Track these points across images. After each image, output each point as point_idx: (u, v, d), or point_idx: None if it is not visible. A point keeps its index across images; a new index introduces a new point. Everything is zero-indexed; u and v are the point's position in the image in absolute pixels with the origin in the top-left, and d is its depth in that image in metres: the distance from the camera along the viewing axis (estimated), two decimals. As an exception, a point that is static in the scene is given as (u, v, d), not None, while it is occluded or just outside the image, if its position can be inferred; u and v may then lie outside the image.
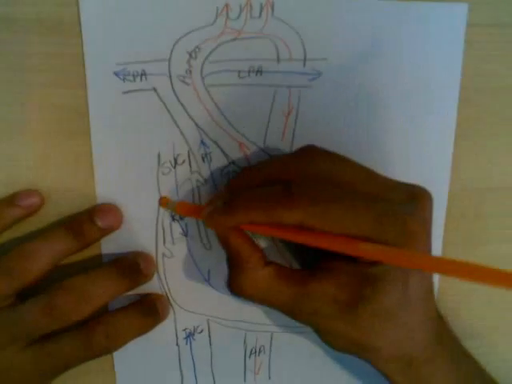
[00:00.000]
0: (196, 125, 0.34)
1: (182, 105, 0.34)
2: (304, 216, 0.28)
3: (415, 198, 0.30)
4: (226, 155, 0.35)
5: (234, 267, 0.31)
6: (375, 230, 0.28)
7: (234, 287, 0.31)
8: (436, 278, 0.40)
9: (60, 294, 0.32)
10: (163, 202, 0.35)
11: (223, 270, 0.37)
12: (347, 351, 0.32)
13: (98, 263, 0.36)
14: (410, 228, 0.28)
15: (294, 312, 0.31)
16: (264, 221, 0.29)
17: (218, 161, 0.35)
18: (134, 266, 0.35)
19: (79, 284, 0.33)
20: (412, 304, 0.30)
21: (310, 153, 0.31)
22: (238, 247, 0.31)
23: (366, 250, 0.27)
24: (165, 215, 0.36)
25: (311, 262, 0.33)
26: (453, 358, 0.35)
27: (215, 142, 0.35)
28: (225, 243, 0.31)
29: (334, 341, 0.32)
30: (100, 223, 0.34)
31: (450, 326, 0.36)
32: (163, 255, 0.37)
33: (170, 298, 0.38)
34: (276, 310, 0.32)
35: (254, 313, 0.39)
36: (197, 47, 0.33)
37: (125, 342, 0.35)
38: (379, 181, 0.31)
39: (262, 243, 0.37)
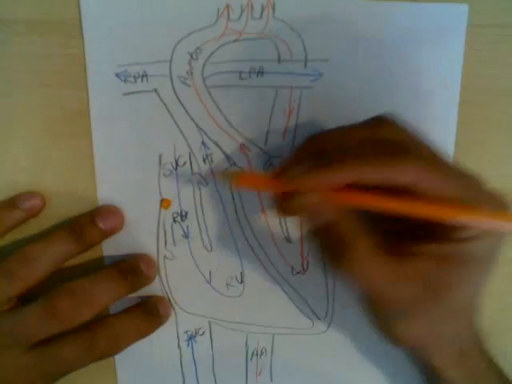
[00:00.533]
0: (197, 126, 0.34)
1: (182, 106, 0.34)
2: (419, 174, 0.26)
3: (475, 184, 0.29)
4: (226, 156, 0.35)
5: (343, 252, 0.28)
6: (477, 199, 0.27)
7: (341, 262, 0.28)
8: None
9: (62, 296, 0.32)
10: (165, 204, 0.35)
11: (224, 271, 0.37)
12: (409, 344, 0.31)
13: (100, 265, 0.36)
14: (502, 200, 0.28)
15: (379, 296, 0.29)
16: (376, 178, 0.26)
17: (219, 162, 0.35)
18: (135, 269, 0.35)
19: (81, 287, 0.33)
20: (479, 288, 0.30)
21: (383, 119, 0.29)
22: (348, 229, 0.28)
23: (477, 216, 0.26)
24: (166, 217, 0.36)
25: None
26: (488, 352, 0.34)
27: (216, 143, 0.35)
28: (333, 227, 0.28)
29: (404, 336, 0.30)
30: (101, 225, 0.33)
31: None
32: (164, 257, 0.37)
33: (172, 300, 0.37)
34: (364, 291, 0.30)
35: (255, 315, 0.39)
36: (198, 48, 0.33)
37: (127, 345, 0.35)
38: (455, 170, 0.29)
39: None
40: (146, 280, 0.36)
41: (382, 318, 0.31)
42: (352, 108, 0.36)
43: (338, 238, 0.28)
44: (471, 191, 0.27)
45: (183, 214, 0.36)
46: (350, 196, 0.27)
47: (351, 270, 0.28)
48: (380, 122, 0.29)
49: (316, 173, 0.27)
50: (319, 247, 0.29)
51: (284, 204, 0.29)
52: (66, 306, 0.32)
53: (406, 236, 0.30)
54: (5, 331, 0.32)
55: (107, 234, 0.34)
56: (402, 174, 0.26)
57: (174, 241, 0.36)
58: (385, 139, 0.28)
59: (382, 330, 0.31)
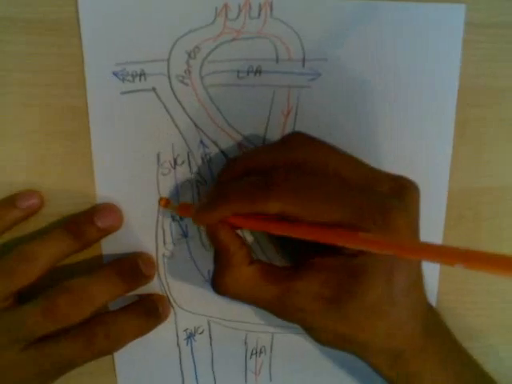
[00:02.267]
0: (195, 125, 0.35)
1: (181, 105, 0.34)
2: (284, 205, 0.28)
3: (402, 191, 0.30)
4: (225, 155, 0.35)
5: (219, 263, 0.31)
6: (357, 222, 0.28)
7: (219, 285, 0.31)
8: (435, 280, 0.40)
9: (60, 295, 0.32)
10: (164, 203, 0.35)
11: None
12: (335, 346, 0.32)
13: (99, 264, 0.36)
14: (395, 222, 0.28)
15: (279, 310, 0.31)
16: (247, 211, 0.29)
17: (218, 161, 0.35)
18: (134, 268, 0.35)
19: (79, 285, 0.33)
20: (398, 296, 0.30)
21: (294, 140, 0.31)
22: (225, 243, 0.30)
23: (349, 238, 0.27)
24: (165, 216, 0.36)
25: (296, 260, 0.33)
26: (443, 350, 0.34)
27: (214, 143, 0.35)
28: (212, 239, 0.31)
29: (321, 336, 0.32)
30: (99, 224, 0.34)
31: (441, 317, 0.36)
32: (163, 256, 0.37)
33: (171, 298, 0.38)
34: (261, 308, 0.32)
35: (254, 313, 0.39)
36: (196, 47, 0.33)
37: (125, 343, 0.35)
38: (366, 171, 0.30)
39: (248, 240, 0.38)
40: (145, 279, 0.36)
41: (302, 326, 0.32)
42: (350, 107, 0.36)
43: (218, 256, 0.31)
44: (359, 216, 0.28)
45: (182, 213, 0.36)
46: (237, 221, 0.30)
47: (226, 289, 0.31)
48: (286, 143, 0.31)
49: (203, 211, 0.30)
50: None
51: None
52: (65, 304, 0.32)
53: (309, 249, 0.31)
54: (3, 329, 0.32)
55: (105, 232, 0.34)
56: (267, 207, 0.28)
57: (172, 239, 0.37)
58: (269, 168, 0.30)
59: (310, 336, 0.33)
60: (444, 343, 0.35)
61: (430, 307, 0.34)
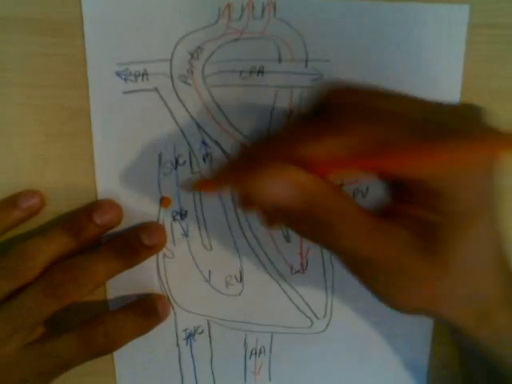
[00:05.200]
0: (197, 125, 0.34)
1: (183, 105, 0.34)
2: (367, 129, 0.25)
3: (465, 116, 0.28)
4: (227, 155, 0.35)
5: (324, 212, 0.25)
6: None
7: (329, 237, 0.26)
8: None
9: (59, 272, 0.32)
10: (165, 203, 0.35)
11: (224, 270, 0.37)
12: (415, 308, 0.29)
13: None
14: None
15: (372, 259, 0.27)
16: (317, 154, 0.24)
17: (219, 161, 0.35)
18: (135, 242, 0.34)
19: (78, 262, 0.33)
20: (491, 249, 0.28)
21: (331, 88, 0.28)
22: (324, 186, 0.25)
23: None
24: (166, 216, 0.36)
25: None
26: None
27: (216, 143, 0.35)
28: (308, 200, 0.25)
29: (407, 298, 0.28)
30: (98, 220, 0.33)
31: None
32: (164, 256, 0.37)
33: (171, 298, 0.38)
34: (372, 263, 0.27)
35: (254, 313, 0.39)
36: (198, 47, 0.33)
37: (124, 342, 0.35)
38: (422, 104, 0.28)
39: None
40: (148, 251, 0.35)
41: (381, 288, 0.29)
42: (352, 108, 0.36)
43: (323, 215, 0.25)
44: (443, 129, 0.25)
45: (183, 212, 0.36)
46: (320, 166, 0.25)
47: (344, 243, 0.26)
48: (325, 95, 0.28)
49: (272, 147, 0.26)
50: (300, 226, 0.27)
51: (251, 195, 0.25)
52: (65, 281, 0.32)
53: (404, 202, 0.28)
54: (4, 323, 0.32)
55: (105, 228, 0.34)
56: (341, 146, 0.24)
57: (173, 239, 0.37)
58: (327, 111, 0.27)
59: (386, 301, 0.29)
60: None
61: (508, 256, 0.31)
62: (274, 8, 0.33)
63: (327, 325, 0.40)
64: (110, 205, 0.34)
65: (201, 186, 0.33)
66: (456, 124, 0.26)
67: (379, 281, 0.28)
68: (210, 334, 0.39)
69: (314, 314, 0.39)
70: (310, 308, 0.39)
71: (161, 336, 0.38)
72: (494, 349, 0.31)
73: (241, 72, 0.34)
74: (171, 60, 0.33)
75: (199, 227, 0.37)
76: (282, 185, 0.24)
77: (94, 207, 0.34)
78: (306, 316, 0.39)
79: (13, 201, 0.33)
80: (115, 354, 0.37)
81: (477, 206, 0.27)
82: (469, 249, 0.27)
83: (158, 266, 0.37)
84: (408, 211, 0.27)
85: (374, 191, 0.36)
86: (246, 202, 0.27)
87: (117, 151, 0.34)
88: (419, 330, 0.40)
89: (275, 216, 0.27)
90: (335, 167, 0.25)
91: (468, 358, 0.37)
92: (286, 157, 0.24)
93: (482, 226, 0.27)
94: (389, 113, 0.26)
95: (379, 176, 0.27)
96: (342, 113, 0.26)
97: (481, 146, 0.23)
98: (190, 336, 0.39)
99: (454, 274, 0.27)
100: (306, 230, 0.27)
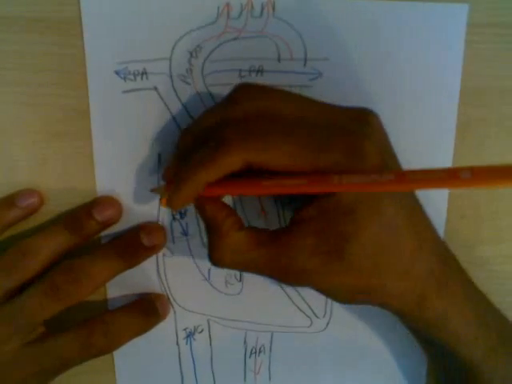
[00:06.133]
0: (197, 124, 0.35)
1: (182, 104, 0.34)
2: (246, 153, 0.27)
3: (362, 118, 0.29)
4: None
5: (210, 236, 0.30)
6: (322, 155, 0.26)
7: (213, 256, 0.30)
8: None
9: (60, 274, 0.32)
10: (165, 202, 0.35)
11: (224, 269, 0.37)
12: (354, 301, 0.31)
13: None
14: (362, 148, 0.27)
15: (281, 274, 0.30)
16: (214, 177, 0.27)
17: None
18: (134, 242, 0.35)
19: (79, 263, 0.33)
20: (398, 227, 0.28)
21: (241, 93, 0.29)
22: (210, 213, 0.29)
23: (323, 183, 0.26)
24: (165, 215, 0.36)
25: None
26: (464, 287, 0.32)
27: (216, 142, 0.35)
28: (200, 213, 0.30)
29: (336, 295, 0.30)
30: (98, 217, 0.33)
31: (453, 252, 0.33)
32: (163, 254, 0.37)
33: (171, 297, 0.38)
34: (262, 275, 0.30)
35: (254, 312, 0.39)
36: (198, 46, 0.33)
37: (124, 342, 0.35)
38: (322, 108, 0.29)
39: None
40: (148, 251, 0.35)
41: (301, 284, 0.31)
42: (351, 107, 0.36)
43: (208, 228, 0.30)
44: (323, 148, 0.27)
45: (182, 211, 0.36)
46: (213, 191, 0.29)
47: (222, 257, 0.29)
48: (233, 99, 0.30)
49: (175, 196, 0.28)
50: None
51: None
52: (66, 282, 0.32)
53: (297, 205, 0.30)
54: (4, 321, 0.32)
55: (104, 224, 0.34)
56: (231, 163, 0.27)
57: (173, 238, 0.37)
58: (221, 123, 0.29)
59: (329, 298, 0.31)
60: (462, 275, 0.33)
61: (440, 239, 0.32)
62: (273, 7, 0.33)
63: (327, 324, 0.40)
64: (110, 201, 0.35)
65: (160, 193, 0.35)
66: (350, 126, 0.28)
67: (304, 283, 0.30)
68: (209, 333, 0.39)
69: (314, 314, 0.39)
70: (309, 307, 0.39)
71: (161, 335, 0.38)
72: (442, 333, 0.32)
73: (240, 71, 0.34)
74: (170, 59, 0.33)
75: (199, 226, 0.37)
76: (198, 210, 0.30)
77: (93, 204, 0.34)
78: (306, 315, 0.39)
79: (11, 199, 0.33)
80: (115, 352, 0.37)
81: (366, 195, 0.27)
82: (367, 240, 0.28)
83: (157, 265, 0.37)
84: (303, 216, 0.29)
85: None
86: None
87: (116, 150, 0.34)
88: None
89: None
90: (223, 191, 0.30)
91: (425, 349, 0.38)
92: (194, 184, 0.28)
93: (380, 214, 0.28)
94: (292, 126, 0.28)
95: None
96: (233, 129, 0.28)
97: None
98: (190, 335, 0.39)
99: (359, 268, 0.28)
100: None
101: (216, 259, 0.30)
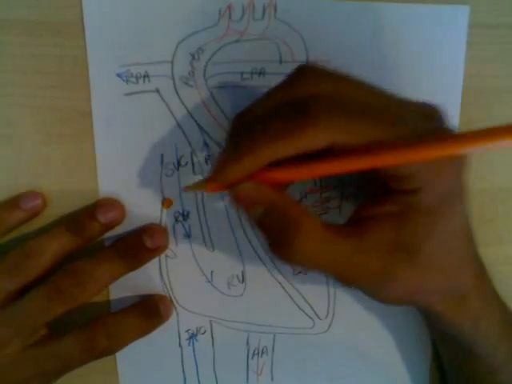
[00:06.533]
0: (199, 126, 0.35)
1: (184, 106, 0.34)
2: (334, 131, 0.25)
3: (429, 115, 0.28)
4: (226, 142, 0.35)
5: (283, 227, 0.27)
6: (400, 126, 0.26)
7: (290, 251, 0.27)
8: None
9: (63, 276, 0.32)
10: (167, 204, 0.35)
11: (226, 271, 0.37)
12: (408, 302, 0.31)
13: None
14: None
15: (349, 271, 0.28)
16: (291, 152, 0.25)
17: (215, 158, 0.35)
18: (137, 245, 0.35)
19: (82, 266, 0.33)
20: (463, 231, 0.29)
21: (309, 74, 0.28)
22: (283, 203, 0.27)
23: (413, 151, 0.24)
24: (168, 217, 0.36)
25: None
26: (496, 295, 0.34)
27: (218, 144, 0.35)
28: (269, 207, 0.27)
29: (393, 293, 0.29)
30: (101, 219, 0.33)
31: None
32: (166, 256, 0.37)
33: (173, 299, 0.38)
34: (330, 273, 0.29)
35: (256, 314, 0.39)
36: (199, 49, 0.33)
37: (126, 343, 0.35)
38: (391, 98, 0.28)
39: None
40: (150, 253, 0.35)
41: (362, 288, 0.30)
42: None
43: (281, 223, 0.27)
44: (403, 128, 0.26)
45: (185, 213, 0.36)
46: (276, 174, 0.27)
47: (302, 255, 0.27)
48: (298, 77, 0.28)
49: (231, 168, 0.27)
50: (265, 238, 0.29)
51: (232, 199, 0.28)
52: (69, 285, 0.32)
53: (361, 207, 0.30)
54: (7, 323, 0.32)
55: (108, 226, 0.34)
56: (315, 139, 0.25)
57: (175, 240, 0.37)
58: (300, 99, 0.26)
59: (371, 296, 0.30)
60: (490, 280, 0.33)
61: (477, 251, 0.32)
62: (275, 9, 0.33)
63: (329, 325, 0.40)
64: (113, 203, 0.35)
65: (197, 187, 0.33)
66: (423, 122, 0.27)
67: (360, 287, 0.30)
68: (212, 334, 0.39)
69: (317, 315, 0.39)
70: (312, 309, 0.39)
71: (163, 337, 0.38)
72: (471, 334, 0.32)
73: (242, 73, 0.34)
74: (172, 61, 0.33)
75: (201, 228, 0.37)
76: (246, 197, 0.27)
77: (96, 206, 0.34)
78: (309, 317, 0.39)
79: (15, 202, 0.33)
80: (118, 354, 0.37)
81: (446, 198, 0.28)
82: (441, 241, 0.28)
83: (160, 267, 0.37)
84: (379, 211, 0.28)
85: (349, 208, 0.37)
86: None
87: (119, 153, 0.34)
88: (422, 331, 0.40)
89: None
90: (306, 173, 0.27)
91: (444, 345, 0.38)
92: (261, 157, 0.26)
93: (453, 218, 0.28)
94: (368, 106, 0.27)
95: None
96: (317, 104, 0.26)
97: (453, 144, 0.24)
98: (193, 336, 0.39)
99: (429, 267, 0.28)
100: (269, 238, 0.29)
101: (294, 253, 0.27)
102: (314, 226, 0.27)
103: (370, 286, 0.30)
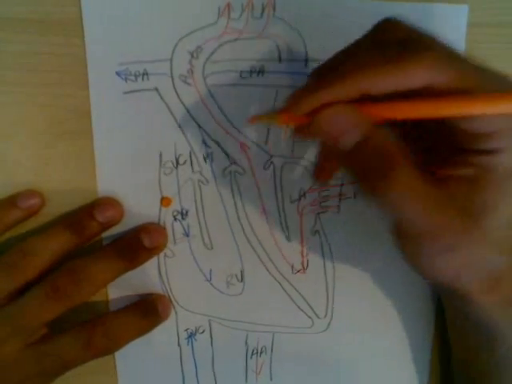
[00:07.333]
0: (197, 125, 0.35)
1: (183, 105, 0.34)
2: (436, 70, 0.24)
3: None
4: (227, 155, 0.35)
5: (379, 166, 0.25)
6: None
7: (385, 190, 0.25)
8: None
9: (62, 276, 0.32)
10: (166, 202, 0.35)
11: (225, 270, 0.37)
12: (453, 277, 0.28)
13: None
14: None
15: (430, 222, 0.26)
16: (388, 85, 0.24)
17: (220, 161, 0.35)
18: (135, 244, 0.35)
19: (80, 265, 0.33)
20: None
21: (390, 25, 0.27)
22: (385, 140, 0.25)
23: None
24: (166, 215, 0.36)
25: None
26: None
27: (217, 142, 0.35)
28: (365, 136, 0.25)
29: (444, 267, 0.27)
30: (100, 218, 0.34)
31: None
32: (165, 255, 0.37)
33: (172, 298, 0.38)
34: (412, 219, 0.26)
35: (255, 313, 0.39)
36: (198, 47, 0.33)
37: (125, 343, 0.35)
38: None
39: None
40: (148, 253, 0.35)
41: (417, 254, 0.27)
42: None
43: (375, 157, 0.25)
44: (493, 82, 0.25)
45: (184, 212, 0.36)
46: (366, 108, 0.25)
47: (392, 193, 0.25)
48: (384, 27, 0.27)
49: (327, 88, 0.25)
50: (351, 173, 0.27)
51: (312, 126, 0.26)
52: (67, 284, 0.32)
53: (433, 163, 0.28)
54: (6, 322, 0.32)
55: (106, 225, 0.34)
56: (415, 74, 0.24)
57: (174, 239, 0.37)
58: (391, 41, 0.26)
59: (417, 266, 0.28)
60: None
61: None
62: (274, 8, 0.33)
63: (328, 325, 0.40)
64: (111, 202, 0.35)
65: (267, 118, 0.32)
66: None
67: (416, 251, 0.27)
68: (211, 333, 0.39)
69: (315, 314, 0.39)
70: (311, 308, 0.39)
71: (162, 336, 0.38)
72: (499, 318, 0.30)
73: (241, 72, 0.34)
74: (171, 60, 0.33)
75: (200, 227, 0.37)
76: (340, 121, 0.25)
77: (94, 205, 0.34)
78: (307, 316, 0.39)
79: (13, 200, 0.33)
80: (116, 353, 0.37)
81: None
82: (505, 213, 0.26)
83: (159, 266, 0.37)
84: (453, 174, 0.26)
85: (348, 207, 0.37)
86: (307, 131, 0.27)
87: (117, 151, 0.34)
88: (421, 330, 0.40)
89: (332, 151, 0.26)
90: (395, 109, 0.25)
91: (461, 332, 0.36)
92: (355, 85, 0.24)
93: None
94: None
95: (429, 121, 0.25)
96: (418, 42, 0.25)
97: None
98: (192, 336, 0.39)
99: (487, 242, 0.26)
100: (358, 172, 0.26)
101: (388, 190, 0.25)
102: (410, 166, 0.25)
103: (431, 248, 0.27)
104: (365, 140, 0.25)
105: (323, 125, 0.25)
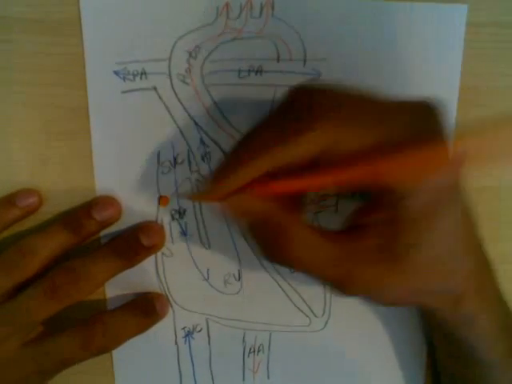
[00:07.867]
0: (196, 124, 0.35)
1: (181, 104, 0.34)
2: (332, 133, 0.25)
3: (425, 114, 0.28)
4: (225, 154, 0.35)
5: (273, 231, 0.28)
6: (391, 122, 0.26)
7: (280, 253, 0.28)
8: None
9: (60, 274, 0.32)
10: (164, 202, 0.35)
11: (222, 269, 0.37)
12: (403, 303, 0.31)
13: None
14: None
15: (339, 277, 0.28)
16: (284, 160, 0.26)
17: (218, 160, 0.35)
18: (133, 243, 0.35)
19: (78, 263, 0.33)
20: (455, 233, 0.29)
21: (301, 98, 0.28)
22: (274, 216, 0.28)
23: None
24: (164, 214, 0.36)
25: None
26: (494, 283, 0.33)
27: (215, 142, 0.35)
28: (256, 217, 0.28)
29: (388, 297, 0.29)
30: (97, 217, 0.34)
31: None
32: (162, 254, 0.37)
33: (169, 296, 0.38)
34: (321, 277, 0.29)
35: (253, 312, 0.39)
36: (197, 46, 0.33)
37: (122, 341, 0.35)
38: (382, 101, 0.28)
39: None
40: (147, 251, 0.35)
41: (354, 295, 0.30)
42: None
43: (269, 232, 0.28)
44: (399, 130, 0.26)
45: (181, 211, 0.36)
46: (268, 186, 0.27)
47: (290, 259, 0.28)
48: (290, 96, 0.28)
49: (224, 181, 0.28)
50: (256, 243, 0.29)
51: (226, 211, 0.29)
52: (65, 282, 0.32)
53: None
54: (2, 322, 0.32)
55: (104, 224, 0.34)
56: (308, 144, 0.26)
57: (171, 238, 0.37)
58: (294, 111, 0.27)
59: (366, 300, 0.32)
60: (494, 280, 0.33)
61: (480, 239, 0.32)
62: (273, 7, 0.33)
63: (325, 324, 0.40)
64: (109, 201, 0.35)
65: (197, 198, 0.35)
66: (418, 123, 0.27)
67: (351, 289, 0.29)
68: (208, 332, 0.39)
69: (313, 313, 0.39)
70: (308, 306, 0.39)
71: (159, 334, 0.38)
72: (468, 332, 0.32)
73: (239, 71, 0.34)
74: (169, 59, 0.33)
75: (198, 226, 0.37)
76: (236, 208, 0.29)
77: (92, 203, 0.34)
78: (305, 314, 0.39)
79: (11, 199, 0.33)
80: (114, 352, 0.37)
81: (435, 201, 0.27)
82: (430, 246, 0.28)
83: (156, 265, 0.37)
84: (370, 218, 0.28)
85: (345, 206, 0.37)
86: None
87: (115, 150, 0.34)
88: (418, 328, 0.40)
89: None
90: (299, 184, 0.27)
91: (440, 342, 0.38)
92: (256, 167, 0.27)
93: (442, 221, 0.28)
94: (360, 110, 0.27)
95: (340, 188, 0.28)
96: (311, 111, 0.26)
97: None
98: (189, 334, 0.39)
99: (420, 272, 0.28)
100: (261, 244, 0.29)
101: (284, 259, 0.29)
102: (303, 232, 0.28)
103: (362, 291, 0.29)
104: (256, 221, 0.28)
105: (227, 210, 0.29)
